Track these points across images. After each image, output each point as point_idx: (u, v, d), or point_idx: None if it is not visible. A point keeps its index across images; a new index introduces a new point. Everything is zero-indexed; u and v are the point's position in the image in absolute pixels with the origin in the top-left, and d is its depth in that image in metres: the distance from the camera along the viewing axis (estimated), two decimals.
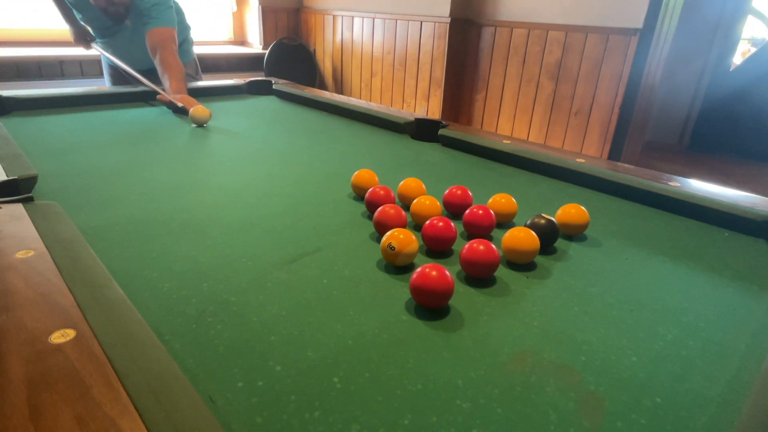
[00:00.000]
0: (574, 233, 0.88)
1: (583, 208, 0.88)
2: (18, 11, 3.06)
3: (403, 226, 0.81)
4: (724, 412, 0.50)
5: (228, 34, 4.11)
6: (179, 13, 2.10)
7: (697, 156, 4.30)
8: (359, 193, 1.02)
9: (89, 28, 2.09)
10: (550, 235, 0.81)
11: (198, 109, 1.48)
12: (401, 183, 0.99)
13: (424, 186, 0.98)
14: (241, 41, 4.15)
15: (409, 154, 1.35)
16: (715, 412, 0.50)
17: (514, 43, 2.88)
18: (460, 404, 0.49)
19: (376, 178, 1.02)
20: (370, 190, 0.93)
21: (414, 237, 0.74)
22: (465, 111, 3.29)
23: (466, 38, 3.09)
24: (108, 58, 2.05)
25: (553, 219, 0.83)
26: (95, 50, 2.14)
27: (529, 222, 0.83)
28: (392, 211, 0.83)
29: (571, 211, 0.88)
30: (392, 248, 0.72)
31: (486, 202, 0.94)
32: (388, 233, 0.74)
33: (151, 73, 1.92)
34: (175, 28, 1.92)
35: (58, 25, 3.20)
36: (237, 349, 0.56)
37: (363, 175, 1.02)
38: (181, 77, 1.79)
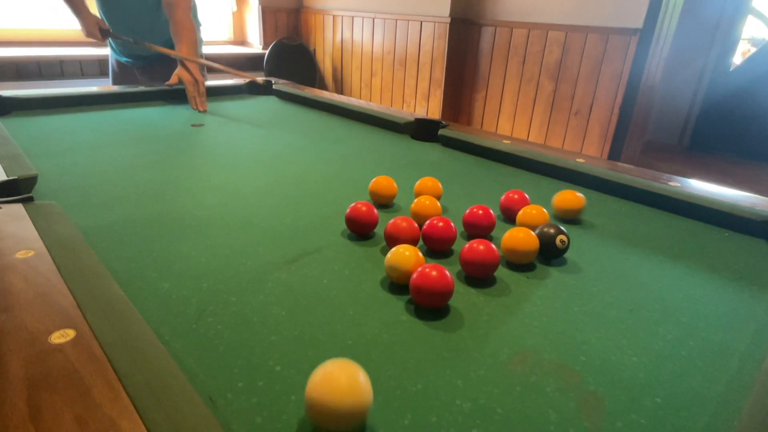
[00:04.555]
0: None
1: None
2: (17, 11, 3.06)
3: (416, 240, 0.78)
4: (724, 412, 0.50)
5: (228, 34, 4.11)
6: (193, 10, 2.06)
7: (697, 156, 4.30)
8: (378, 201, 0.98)
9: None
10: (551, 248, 0.78)
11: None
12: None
13: (395, 185, 0.97)
14: (241, 41, 4.15)
15: (409, 154, 1.35)
16: (715, 412, 0.50)
17: (514, 43, 2.88)
18: (460, 404, 0.49)
19: (394, 184, 0.97)
20: (352, 208, 0.84)
21: (421, 255, 0.70)
22: (465, 111, 3.29)
23: (466, 38, 3.09)
24: (119, 48, 1.94)
25: (564, 231, 0.79)
26: (108, 41, 1.97)
27: (538, 231, 0.80)
28: (404, 224, 0.78)
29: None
30: (395, 269, 0.68)
31: (486, 202, 0.94)
32: (394, 250, 0.70)
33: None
34: None
35: (58, 25, 3.20)
36: (237, 349, 0.56)
37: (381, 181, 0.97)
38: (193, 42, 1.71)
